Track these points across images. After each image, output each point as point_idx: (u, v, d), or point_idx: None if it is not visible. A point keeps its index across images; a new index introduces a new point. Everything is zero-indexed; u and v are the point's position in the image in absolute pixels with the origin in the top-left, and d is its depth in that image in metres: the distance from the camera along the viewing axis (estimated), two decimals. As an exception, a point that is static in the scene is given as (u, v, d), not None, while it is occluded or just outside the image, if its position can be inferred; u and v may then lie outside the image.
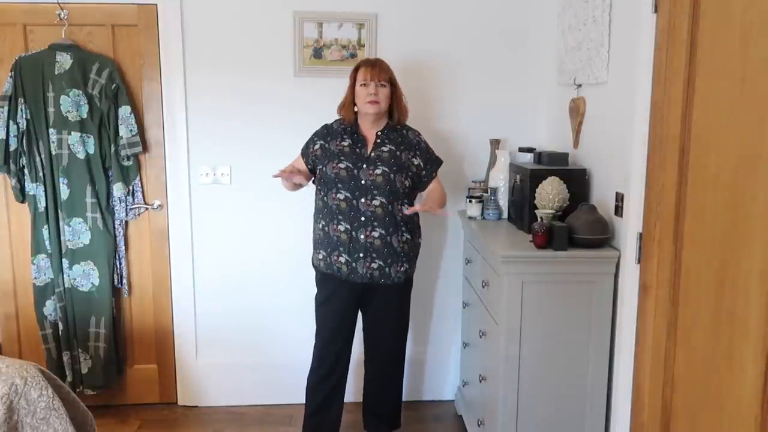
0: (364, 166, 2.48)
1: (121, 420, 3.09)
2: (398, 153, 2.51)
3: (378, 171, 2.46)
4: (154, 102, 3.01)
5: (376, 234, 2.47)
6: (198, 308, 3.18)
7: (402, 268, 2.55)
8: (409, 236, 2.54)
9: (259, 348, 3.22)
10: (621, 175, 2.21)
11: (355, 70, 2.54)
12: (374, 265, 2.49)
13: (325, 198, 2.52)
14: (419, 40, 3.02)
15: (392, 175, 2.46)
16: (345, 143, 2.52)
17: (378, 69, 2.49)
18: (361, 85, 2.48)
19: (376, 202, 2.46)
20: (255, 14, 2.97)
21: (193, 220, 3.11)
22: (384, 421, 2.79)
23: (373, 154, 2.50)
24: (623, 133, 2.19)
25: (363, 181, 2.46)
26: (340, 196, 2.47)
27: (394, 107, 2.55)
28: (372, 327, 2.69)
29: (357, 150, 2.51)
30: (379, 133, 2.54)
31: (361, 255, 2.48)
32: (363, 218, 2.47)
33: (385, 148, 2.51)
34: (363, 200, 2.46)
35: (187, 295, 3.16)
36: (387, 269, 2.51)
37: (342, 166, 2.48)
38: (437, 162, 2.64)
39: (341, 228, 2.48)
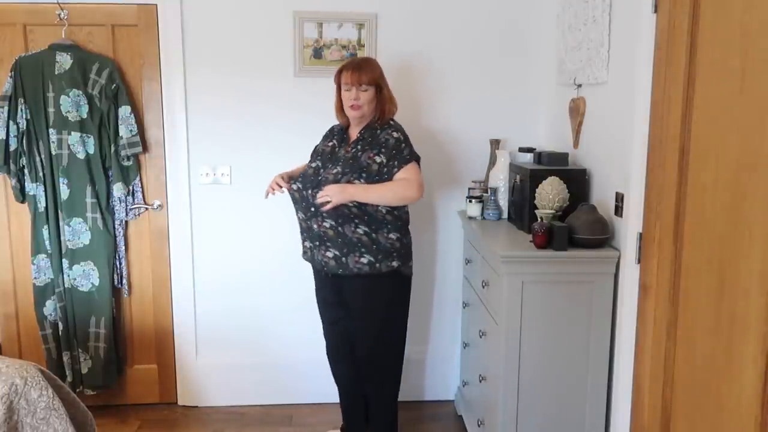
0: (329, 165, 2.49)
1: (121, 420, 3.09)
2: (360, 153, 2.44)
3: (334, 170, 2.44)
4: (154, 102, 3.01)
5: (327, 225, 2.44)
6: (198, 308, 3.18)
7: (363, 260, 2.43)
8: (366, 229, 2.43)
9: (259, 348, 3.22)
10: (621, 175, 2.21)
11: (339, 74, 2.50)
12: (329, 254, 2.47)
13: None
14: (419, 40, 3.02)
15: (342, 177, 2.41)
16: (330, 143, 2.56)
17: (359, 73, 2.43)
18: (345, 90, 2.48)
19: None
20: (255, 14, 2.97)
21: (193, 220, 3.11)
22: (375, 430, 2.71)
23: (342, 153, 2.50)
24: (623, 133, 2.19)
25: (320, 177, 2.47)
26: (295, 186, 2.51)
27: (378, 107, 2.50)
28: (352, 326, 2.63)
29: (336, 150, 2.53)
30: (358, 135, 2.52)
31: (317, 243, 2.49)
32: (313, 209, 2.46)
33: (354, 149, 2.48)
34: (310, 191, 2.45)
35: (187, 295, 3.16)
36: (343, 259, 2.45)
37: (313, 165, 2.52)
38: (405, 159, 2.44)
39: (300, 216, 2.54)
